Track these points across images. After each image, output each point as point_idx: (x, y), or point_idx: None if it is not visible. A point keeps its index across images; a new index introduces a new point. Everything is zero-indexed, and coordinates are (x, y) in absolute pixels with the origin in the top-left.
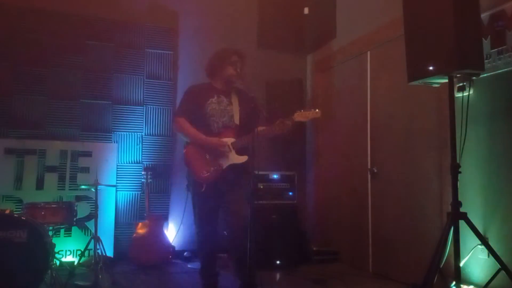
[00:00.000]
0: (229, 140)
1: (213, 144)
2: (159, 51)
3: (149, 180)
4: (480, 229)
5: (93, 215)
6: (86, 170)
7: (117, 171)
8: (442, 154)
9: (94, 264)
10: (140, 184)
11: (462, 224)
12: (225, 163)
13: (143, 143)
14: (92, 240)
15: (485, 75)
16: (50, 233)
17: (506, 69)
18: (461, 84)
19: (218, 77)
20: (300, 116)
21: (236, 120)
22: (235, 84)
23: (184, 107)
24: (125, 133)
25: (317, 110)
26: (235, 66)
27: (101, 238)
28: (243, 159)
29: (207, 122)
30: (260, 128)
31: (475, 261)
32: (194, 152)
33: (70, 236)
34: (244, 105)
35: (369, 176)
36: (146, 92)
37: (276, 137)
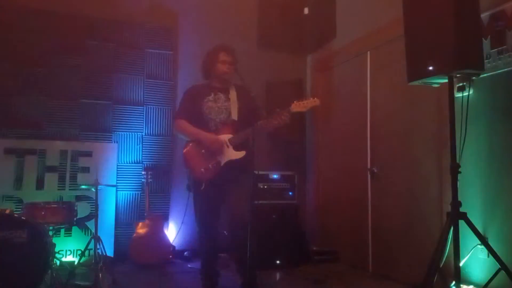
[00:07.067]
0: (227, 137)
1: (209, 141)
2: (159, 51)
3: (149, 180)
4: (480, 229)
5: (93, 215)
6: (86, 170)
7: (117, 171)
8: (442, 154)
9: (94, 264)
10: (140, 184)
11: (462, 224)
12: (223, 160)
13: (143, 143)
14: (92, 240)
15: (485, 75)
16: (50, 233)
17: (506, 69)
18: (461, 84)
19: (213, 76)
20: (297, 106)
21: (234, 116)
22: (230, 80)
23: (182, 108)
24: (125, 133)
25: (315, 98)
26: (224, 63)
27: (101, 238)
28: (240, 154)
29: (205, 120)
30: (258, 122)
31: (475, 261)
32: (192, 151)
33: (70, 236)
34: (243, 100)
35: (369, 176)
36: (146, 92)
37: (276, 133)
